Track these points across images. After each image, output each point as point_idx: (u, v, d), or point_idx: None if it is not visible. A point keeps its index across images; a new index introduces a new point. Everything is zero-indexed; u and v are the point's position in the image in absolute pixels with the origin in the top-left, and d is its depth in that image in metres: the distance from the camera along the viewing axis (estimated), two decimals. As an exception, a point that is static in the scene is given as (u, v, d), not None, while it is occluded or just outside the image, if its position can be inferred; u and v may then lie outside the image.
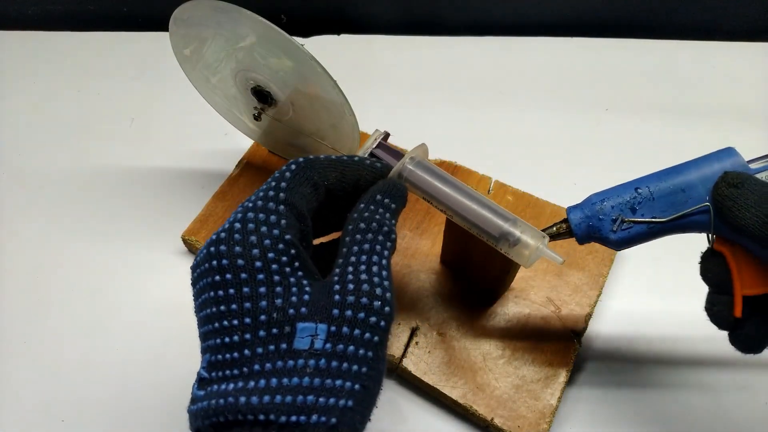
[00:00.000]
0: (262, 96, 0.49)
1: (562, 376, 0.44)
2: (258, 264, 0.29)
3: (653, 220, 0.34)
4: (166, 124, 0.66)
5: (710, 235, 0.34)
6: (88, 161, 0.63)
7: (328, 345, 0.29)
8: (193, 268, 0.31)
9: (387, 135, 0.43)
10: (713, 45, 0.69)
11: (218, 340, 0.29)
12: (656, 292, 0.51)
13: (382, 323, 0.30)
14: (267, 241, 0.30)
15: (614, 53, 0.70)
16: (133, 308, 0.52)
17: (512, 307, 0.48)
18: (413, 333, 0.47)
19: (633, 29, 0.71)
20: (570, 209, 0.37)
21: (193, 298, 0.31)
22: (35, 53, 0.74)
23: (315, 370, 0.28)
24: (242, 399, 0.27)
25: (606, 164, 0.60)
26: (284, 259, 0.30)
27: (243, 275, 0.29)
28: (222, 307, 0.29)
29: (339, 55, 0.72)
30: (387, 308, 0.30)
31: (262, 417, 0.27)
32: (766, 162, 0.34)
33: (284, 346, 0.29)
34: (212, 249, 0.30)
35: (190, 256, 0.55)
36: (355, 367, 0.29)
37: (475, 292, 0.49)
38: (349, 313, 0.29)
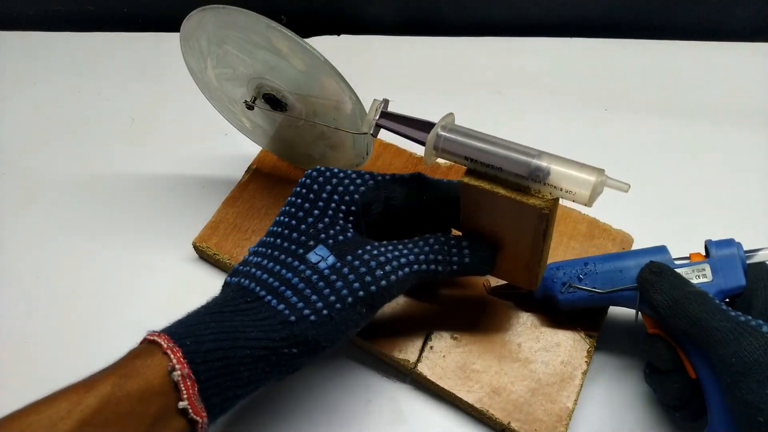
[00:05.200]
0: (273, 101, 0.49)
1: (578, 379, 0.45)
2: (332, 200, 0.40)
3: (593, 289, 0.43)
4: (166, 124, 0.66)
5: (636, 312, 0.43)
6: (89, 162, 0.63)
7: (327, 270, 0.37)
8: (300, 185, 0.42)
9: (387, 102, 0.41)
10: (713, 45, 0.70)
11: (274, 228, 0.41)
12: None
13: (373, 288, 0.37)
14: (342, 190, 0.40)
15: (614, 53, 0.70)
16: (142, 314, 0.51)
17: (526, 310, 0.48)
18: (427, 338, 0.47)
19: (633, 29, 0.72)
20: None
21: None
22: (36, 54, 0.73)
23: (307, 279, 0.36)
24: (254, 270, 0.38)
25: (605, 164, 0.58)
26: (346, 206, 0.40)
27: (323, 196, 0.40)
28: (293, 209, 0.41)
29: (339, 55, 0.71)
30: (373, 287, 0.37)
31: (252, 285, 0.37)
32: (687, 262, 0.42)
33: (301, 251, 0.38)
34: (314, 173, 0.41)
35: (202, 263, 0.55)
36: (332, 297, 0.36)
37: (489, 295, 0.49)
38: (357, 263, 0.37)
